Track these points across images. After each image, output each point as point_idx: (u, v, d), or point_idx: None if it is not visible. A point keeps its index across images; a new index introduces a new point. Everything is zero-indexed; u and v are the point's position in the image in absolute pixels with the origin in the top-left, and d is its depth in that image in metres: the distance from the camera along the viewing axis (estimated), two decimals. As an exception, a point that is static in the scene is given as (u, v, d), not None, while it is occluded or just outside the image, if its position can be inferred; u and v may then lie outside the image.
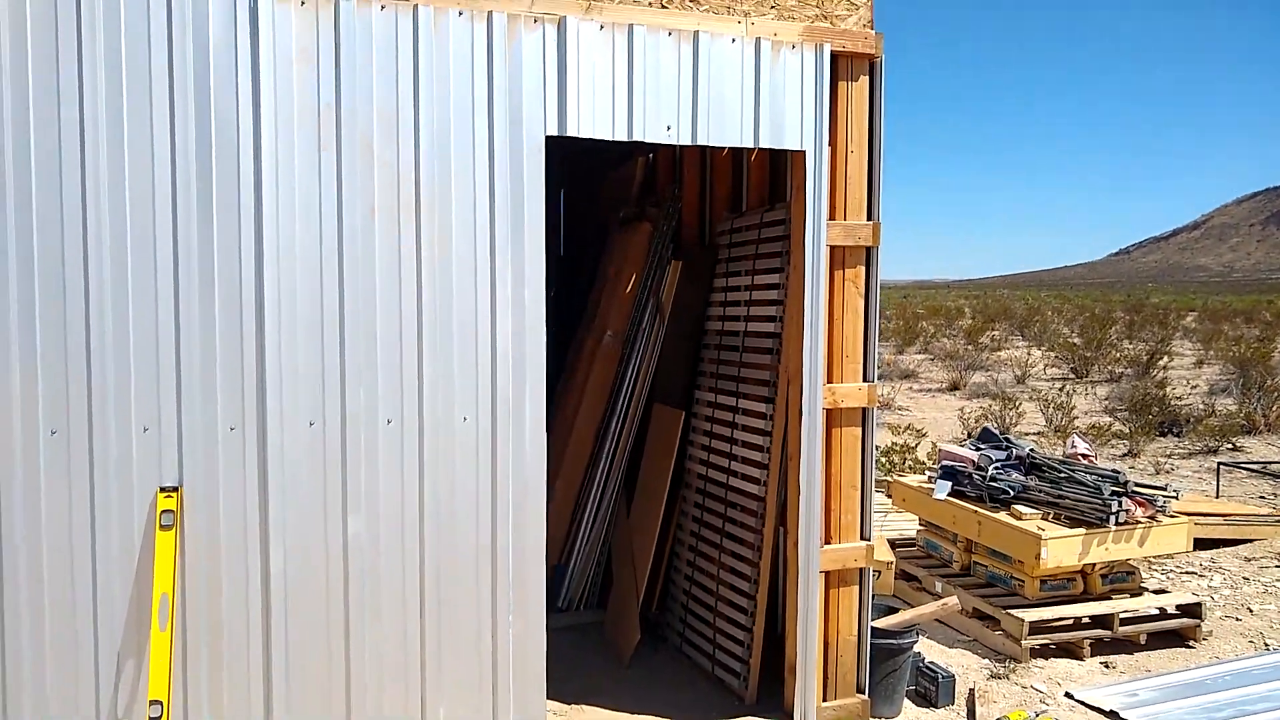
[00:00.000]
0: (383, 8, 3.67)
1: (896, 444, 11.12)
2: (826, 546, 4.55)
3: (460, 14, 3.77)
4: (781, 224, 4.96)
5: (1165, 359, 23.83)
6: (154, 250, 3.46)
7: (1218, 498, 9.92)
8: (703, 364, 5.70)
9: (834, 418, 4.56)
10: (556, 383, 6.98)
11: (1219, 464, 10.58)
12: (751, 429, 5.06)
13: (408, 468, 3.83)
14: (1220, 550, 7.91)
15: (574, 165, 7.67)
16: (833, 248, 4.49)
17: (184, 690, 3.57)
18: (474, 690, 3.99)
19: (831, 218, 4.47)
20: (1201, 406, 15.37)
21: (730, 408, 5.28)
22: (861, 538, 4.65)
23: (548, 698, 4.76)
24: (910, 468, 10.08)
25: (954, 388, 20.09)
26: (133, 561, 3.51)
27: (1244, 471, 10.87)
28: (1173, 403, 15.45)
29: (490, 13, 3.81)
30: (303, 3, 3.57)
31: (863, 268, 4.58)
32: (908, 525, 7.83)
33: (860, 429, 4.64)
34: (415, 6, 3.70)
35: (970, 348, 26.63)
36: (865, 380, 4.61)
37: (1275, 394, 15.59)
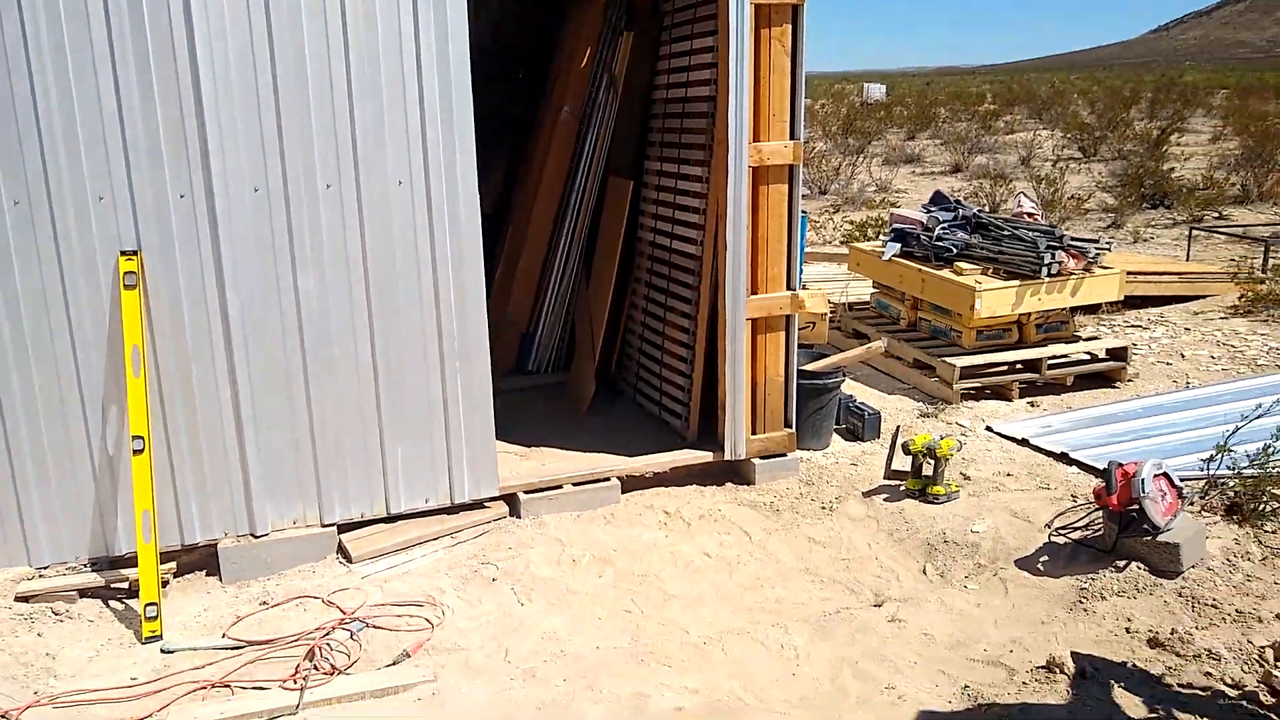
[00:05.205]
0: None
1: (872, 218, 11.33)
2: (753, 296, 4.90)
3: None
4: (714, -14, 5.02)
5: (1177, 135, 23.37)
6: (88, 25, 3.67)
7: (1187, 260, 10.15)
8: (651, 133, 5.89)
9: (760, 175, 4.80)
10: (520, 163, 7.20)
11: (1190, 228, 10.73)
12: (689, 193, 5.32)
13: (349, 228, 4.15)
14: (1172, 306, 8.23)
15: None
16: (757, 6, 4.60)
17: (164, 427, 4.05)
18: (427, 433, 4.45)
19: (755, -24, 4.55)
20: (1201, 180, 15.32)
21: (673, 174, 5.52)
22: (787, 288, 4.99)
23: (511, 443, 5.29)
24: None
25: (956, 170, 20.00)
26: (104, 320, 3.91)
27: (1221, 237, 11.01)
28: (1168, 177, 15.39)
29: None
30: None
31: (789, 26, 4.70)
32: (868, 290, 8.16)
33: (787, 186, 4.88)
34: None
35: (981, 131, 26.18)
36: (792, 138, 4.81)
37: (1274, 164, 15.47)
